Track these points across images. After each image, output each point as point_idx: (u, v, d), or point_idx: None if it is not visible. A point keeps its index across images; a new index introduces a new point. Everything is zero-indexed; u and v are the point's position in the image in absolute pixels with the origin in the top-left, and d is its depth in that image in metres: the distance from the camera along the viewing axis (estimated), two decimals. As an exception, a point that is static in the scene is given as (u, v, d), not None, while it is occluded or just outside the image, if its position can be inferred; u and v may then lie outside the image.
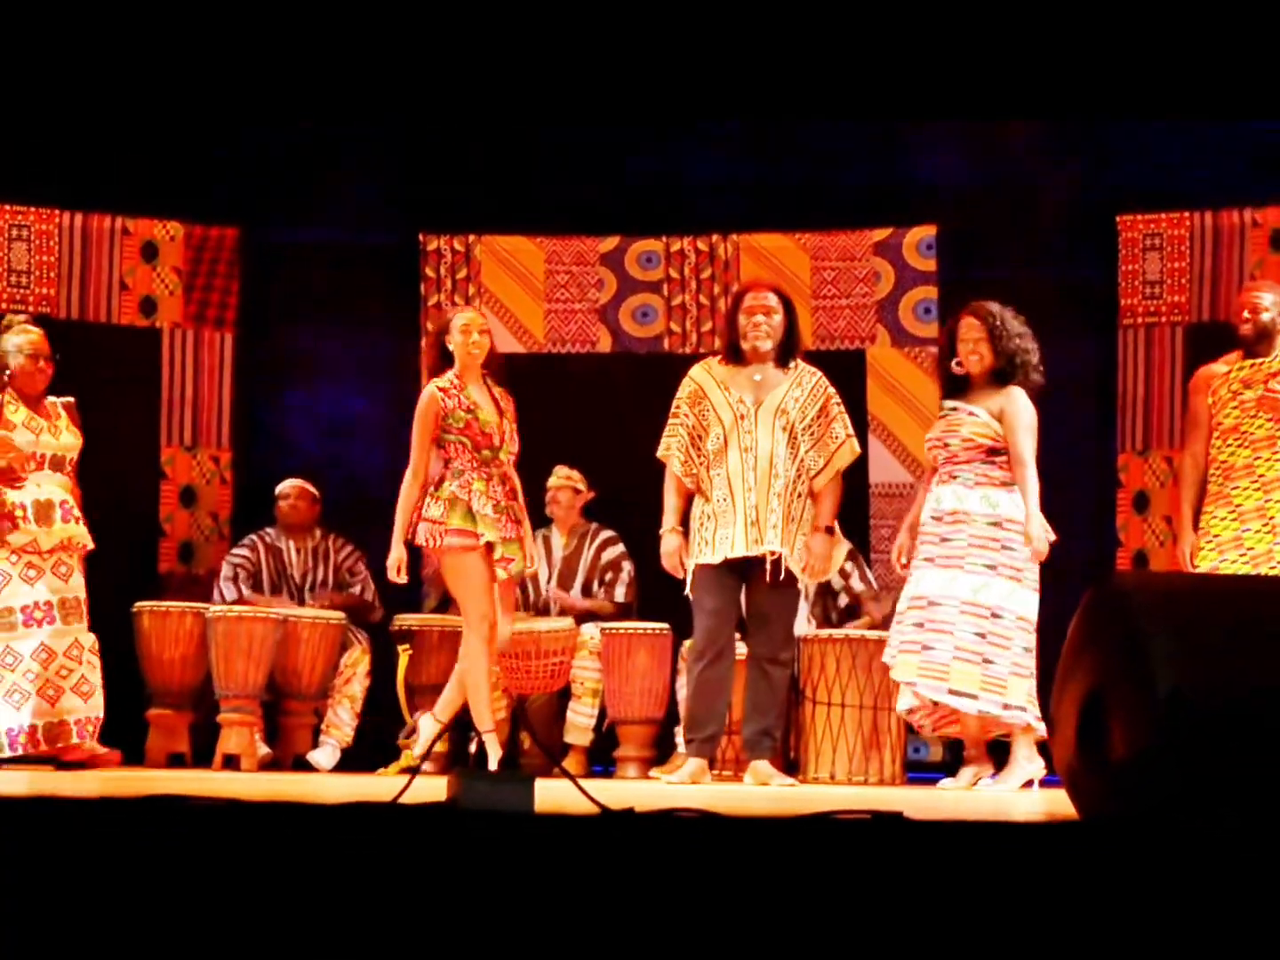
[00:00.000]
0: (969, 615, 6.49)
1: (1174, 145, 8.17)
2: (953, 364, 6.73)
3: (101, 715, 7.15)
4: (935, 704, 6.63)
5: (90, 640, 7.24)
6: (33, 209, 8.18)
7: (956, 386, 6.75)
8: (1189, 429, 7.13)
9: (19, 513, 7.09)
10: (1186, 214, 8.25)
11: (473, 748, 7.08)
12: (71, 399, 7.28)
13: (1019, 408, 6.58)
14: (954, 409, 6.70)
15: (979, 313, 6.69)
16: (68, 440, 7.26)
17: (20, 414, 7.12)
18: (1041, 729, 6.36)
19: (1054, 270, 8.29)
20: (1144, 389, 8.24)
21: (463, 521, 6.66)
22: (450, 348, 6.83)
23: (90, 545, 7.27)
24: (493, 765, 6.49)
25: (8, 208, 8.11)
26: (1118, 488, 8.23)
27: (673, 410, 6.90)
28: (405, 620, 8.14)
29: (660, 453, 6.89)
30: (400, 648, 7.97)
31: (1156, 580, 4.72)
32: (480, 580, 6.73)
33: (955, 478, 6.61)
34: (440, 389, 6.81)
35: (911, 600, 6.61)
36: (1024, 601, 6.52)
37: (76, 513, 7.25)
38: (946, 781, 6.80)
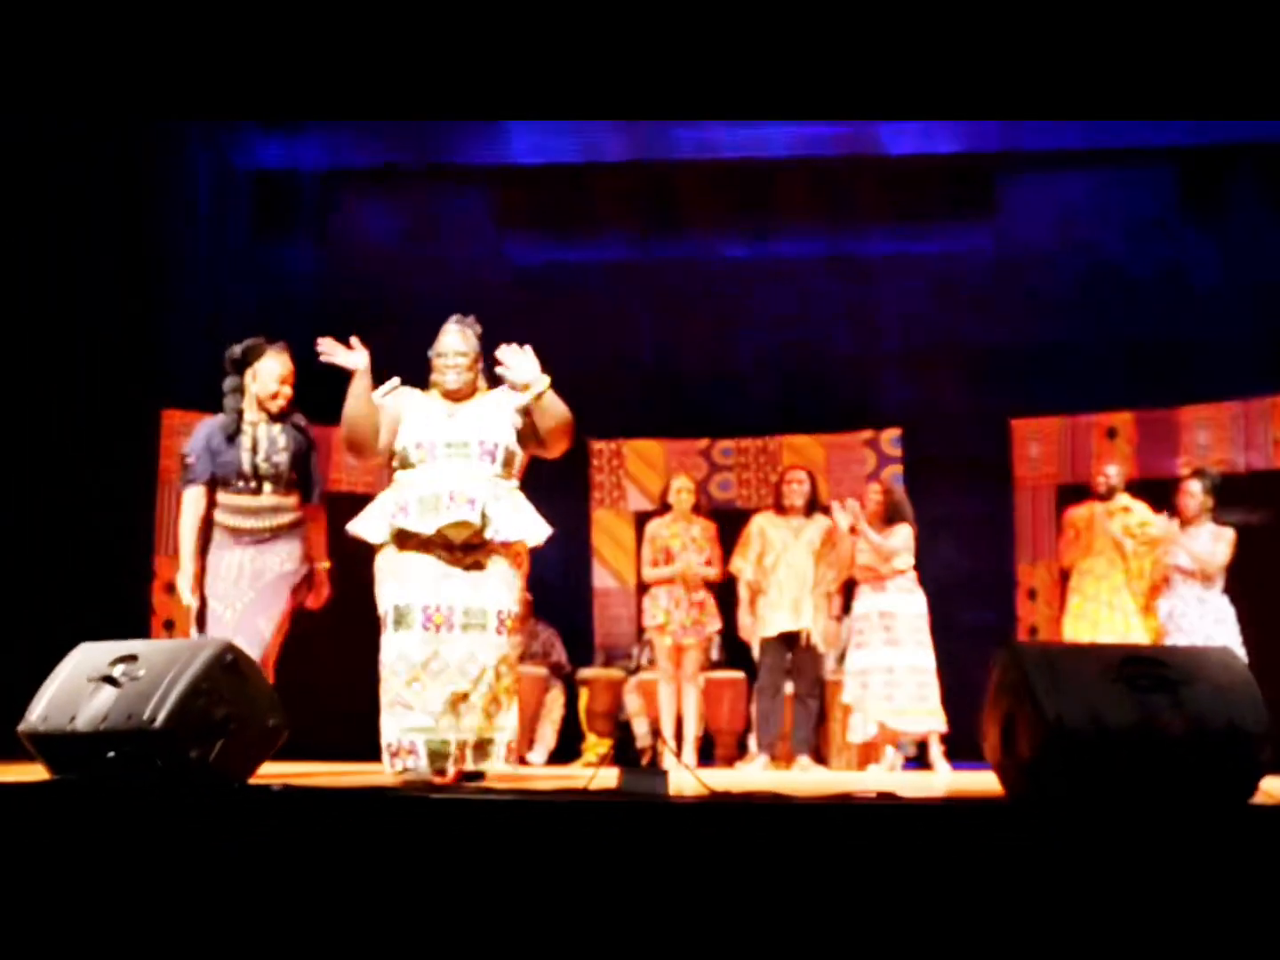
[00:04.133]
0: (913, 675, 6.42)
1: (1047, 371, 8.14)
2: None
3: (471, 740, 4.30)
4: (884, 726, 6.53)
5: (490, 653, 4.25)
6: (193, 413, 7.44)
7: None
8: (1063, 545, 7.12)
9: (395, 508, 4.29)
10: (1054, 417, 8.18)
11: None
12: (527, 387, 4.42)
13: (896, 531, 6.60)
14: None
15: (881, 481, 7.12)
16: (473, 425, 4.36)
17: (418, 400, 4.50)
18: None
19: (973, 453, 8.24)
20: (1031, 524, 8.15)
21: (655, 611, 6.96)
22: (669, 500, 7.02)
23: (507, 538, 4.27)
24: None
25: (179, 413, 7.71)
26: (1015, 585, 8.14)
27: (742, 541, 6.90)
28: (584, 673, 8.12)
29: (733, 568, 6.90)
30: (581, 689, 7.99)
31: (1042, 647, 4.59)
32: (661, 650, 6.99)
33: (885, 590, 6.53)
34: (657, 524, 7.04)
35: (872, 666, 6.48)
36: (930, 659, 6.48)
37: (487, 504, 4.24)
38: (873, 767, 6.71)
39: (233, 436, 4.89)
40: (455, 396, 4.44)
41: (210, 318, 7.93)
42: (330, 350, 4.30)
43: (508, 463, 4.37)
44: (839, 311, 8.56)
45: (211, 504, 4.93)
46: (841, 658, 7.65)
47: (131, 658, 3.52)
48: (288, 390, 4.98)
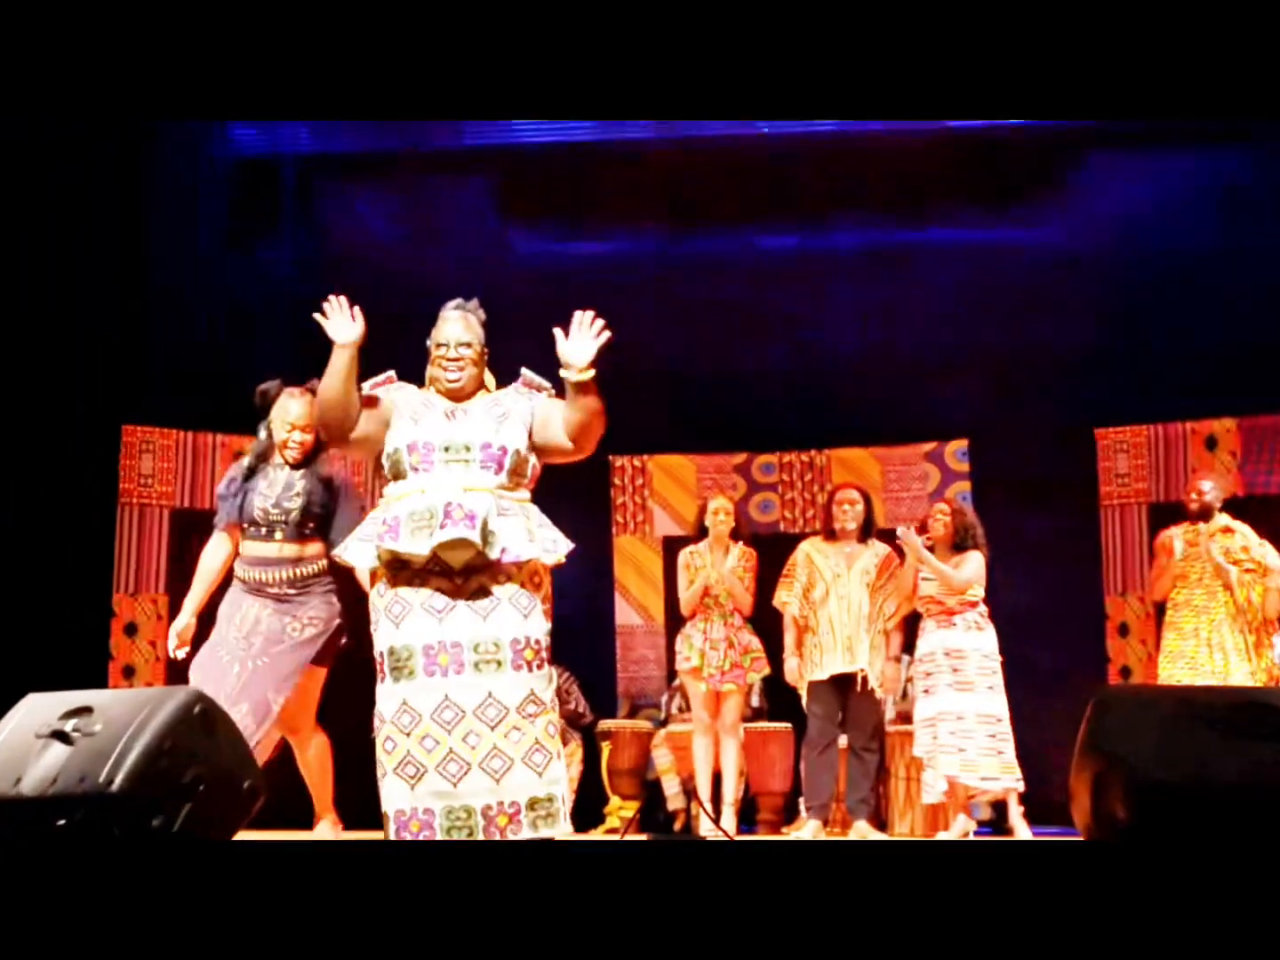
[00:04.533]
0: (984, 724, 6.36)
1: (1135, 375, 8.08)
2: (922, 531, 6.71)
3: (521, 801, 4.01)
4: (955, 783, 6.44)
5: (511, 692, 4.02)
6: (157, 429, 7.91)
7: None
8: (1154, 574, 7.06)
9: (383, 528, 4.08)
10: (1145, 426, 8.14)
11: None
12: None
13: (968, 559, 6.55)
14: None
15: (948, 501, 6.96)
16: (476, 427, 4.18)
17: (411, 397, 4.29)
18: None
19: (1052, 467, 8.18)
20: (1119, 549, 8.10)
21: (689, 651, 6.86)
22: (705, 524, 6.93)
23: (517, 557, 4.06)
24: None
25: (140, 429, 7.87)
26: (1104, 620, 8.07)
27: (786, 572, 6.86)
28: (606, 724, 8.10)
29: (777, 602, 6.84)
30: (603, 743, 7.97)
31: (1136, 692, 4.51)
32: (695, 697, 6.90)
33: (953, 625, 6.48)
34: (691, 552, 6.95)
35: (941, 713, 6.42)
36: (1003, 706, 6.42)
37: (490, 518, 4.04)
38: (943, 833, 6.63)
39: (247, 480, 5.20)
40: (457, 395, 4.25)
41: (183, 319, 8.02)
42: (328, 313, 4.15)
43: (516, 470, 4.17)
44: (894, 309, 8.50)
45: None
46: (903, 704, 7.64)
47: (86, 710, 3.49)
48: (299, 437, 5.21)
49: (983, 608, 6.56)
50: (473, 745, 3.96)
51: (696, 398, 8.56)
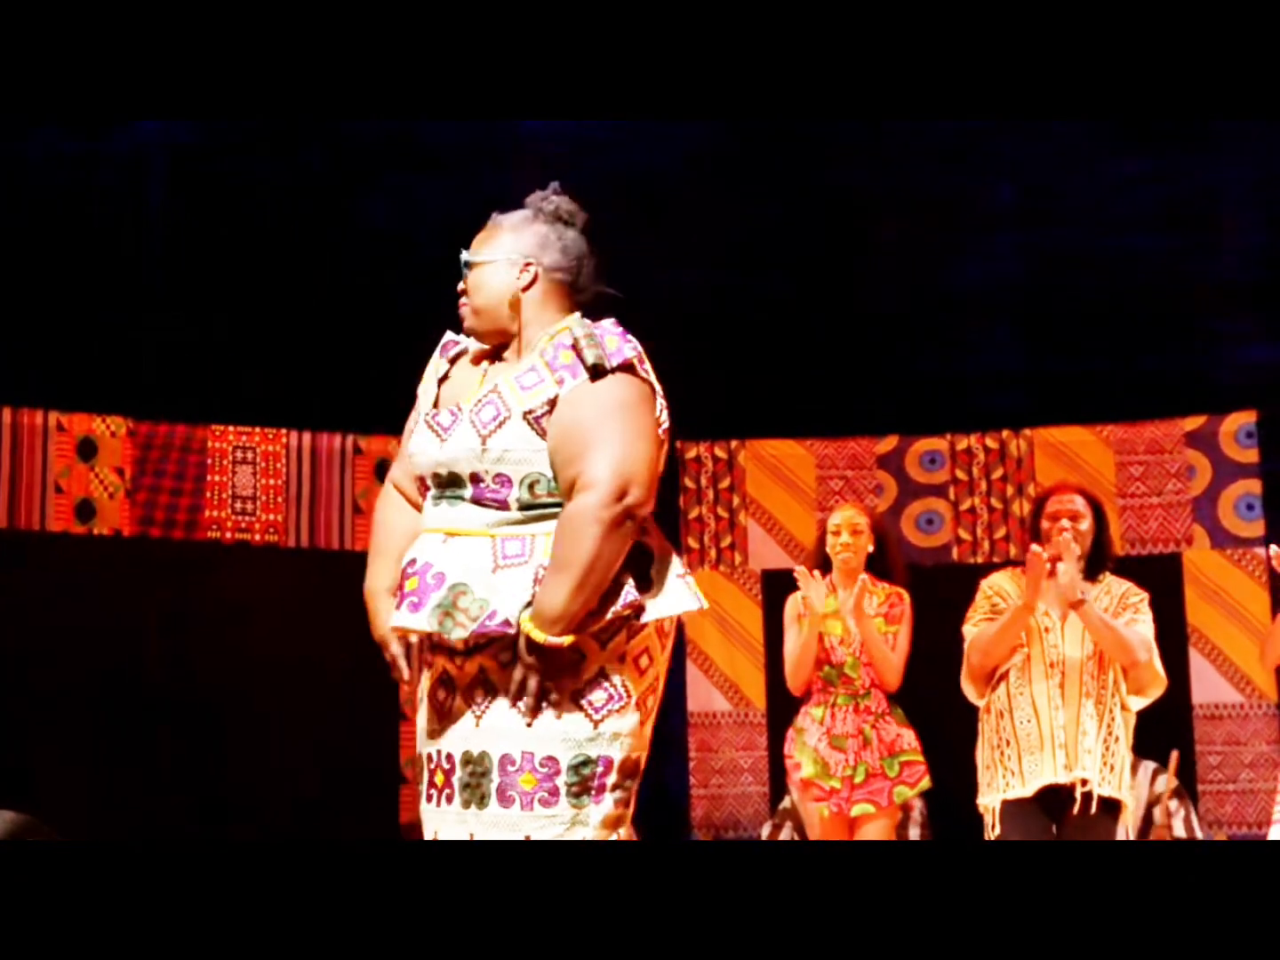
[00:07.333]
0: None
1: None
2: None
3: None
4: None
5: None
6: None
7: None
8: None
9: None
10: None
11: None
12: None
13: None
14: None
15: None
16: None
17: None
18: None
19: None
20: None
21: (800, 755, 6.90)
22: (826, 550, 7.01)
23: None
24: None
25: None
26: None
27: (968, 618, 6.44)
28: None
29: (968, 637, 6.37)
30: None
31: None
32: (814, 824, 7.02)
33: None
34: (806, 598, 6.95)
35: None
36: None
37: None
38: None
39: None
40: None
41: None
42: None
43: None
44: (1138, 202, 8.40)
45: None
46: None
47: None
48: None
49: None
50: None
51: (813, 349, 8.48)
